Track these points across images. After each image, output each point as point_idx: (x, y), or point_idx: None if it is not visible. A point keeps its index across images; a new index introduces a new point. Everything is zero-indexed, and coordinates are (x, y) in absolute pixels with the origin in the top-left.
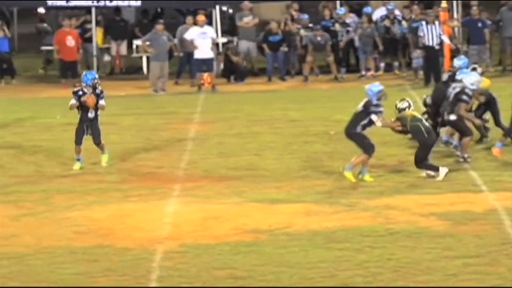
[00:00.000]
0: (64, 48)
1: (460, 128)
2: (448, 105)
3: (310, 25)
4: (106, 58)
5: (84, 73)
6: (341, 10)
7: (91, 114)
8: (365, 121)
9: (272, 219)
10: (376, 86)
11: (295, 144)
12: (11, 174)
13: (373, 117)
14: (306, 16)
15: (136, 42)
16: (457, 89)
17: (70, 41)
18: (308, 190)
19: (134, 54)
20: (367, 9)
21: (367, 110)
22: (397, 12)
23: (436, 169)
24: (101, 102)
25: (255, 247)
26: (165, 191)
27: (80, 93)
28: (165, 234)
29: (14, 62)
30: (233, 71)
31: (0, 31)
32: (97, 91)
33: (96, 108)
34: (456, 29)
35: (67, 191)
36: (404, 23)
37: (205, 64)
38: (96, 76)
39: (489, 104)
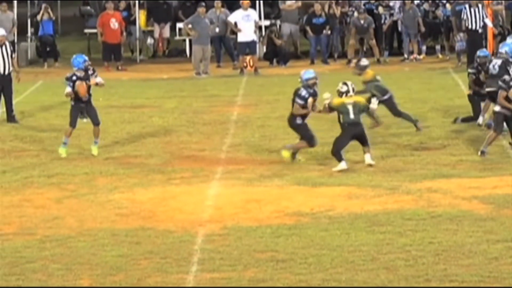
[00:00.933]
0: (107, 30)
1: (495, 119)
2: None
3: (362, 7)
4: (149, 41)
5: (74, 56)
6: None
7: (85, 98)
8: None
9: (314, 202)
10: (308, 73)
11: (337, 127)
12: (54, 156)
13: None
14: None
15: (179, 25)
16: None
17: (114, 24)
18: (350, 173)
19: (177, 37)
20: None
21: (294, 99)
22: None
23: (339, 160)
24: (98, 79)
25: (296, 230)
26: (207, 174)
27: (74, 78)
28: (207, 216)
29: (57, 44)
30: (276, 54)
31: (45, 14)
32: (90, 71)
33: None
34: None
35: (110, 173)
36: (448, 6)
37: (248, 47)
38: (86, 58)
39: None
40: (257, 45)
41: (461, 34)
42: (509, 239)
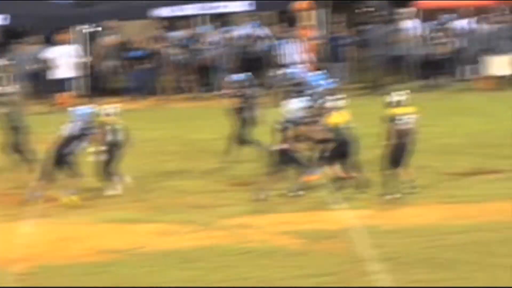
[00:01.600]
0: None
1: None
2: None
3: (180, 43)
4: None
5: None
6: (203, 28)
7: None
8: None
9: (126, 239)
10: (83, 109)
11: (149, 163)
12: None
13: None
14: (176, 34)
15: None
16: None
17: None
18: (163, 209)
19: None
20: (226, 28)
21: (82, 133)
22: (261, 30)
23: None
24: None
25: (108, 268)
26: (16, 213)
27: None
28: (18, 255)
29: None
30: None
31: None
32: None
33: None
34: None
35: None
36: (267, 40)
37: (66, 84)
38: None
39: None
40: (73, 82)
41: (279, 70)
42: (319, 274)
